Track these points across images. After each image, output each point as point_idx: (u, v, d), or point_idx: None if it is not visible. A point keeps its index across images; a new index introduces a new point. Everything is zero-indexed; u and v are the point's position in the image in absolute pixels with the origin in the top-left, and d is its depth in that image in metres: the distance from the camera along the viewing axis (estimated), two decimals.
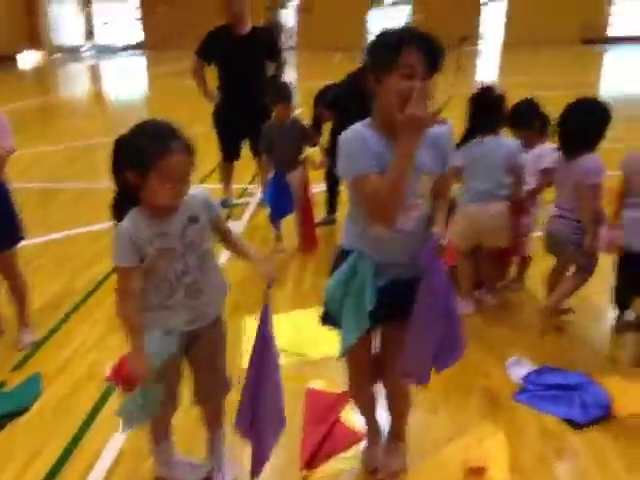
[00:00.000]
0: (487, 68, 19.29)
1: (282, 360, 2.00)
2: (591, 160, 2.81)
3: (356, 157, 1.66)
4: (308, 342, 2.97)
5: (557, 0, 26.71)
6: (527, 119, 3.32)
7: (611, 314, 3.23)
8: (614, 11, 28.48)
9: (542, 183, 3.21)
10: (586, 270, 2.96)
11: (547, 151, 3.21)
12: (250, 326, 2.82)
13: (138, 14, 27.69)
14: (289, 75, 9.67)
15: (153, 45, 26.30)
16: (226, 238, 1.97)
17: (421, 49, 1.56)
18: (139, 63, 23.74)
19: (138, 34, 28.03)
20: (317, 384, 2.71)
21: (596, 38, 27.65)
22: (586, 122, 2.81)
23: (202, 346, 1.99)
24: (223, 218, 2.00)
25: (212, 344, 2.02)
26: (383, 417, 2.24)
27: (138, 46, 27.66)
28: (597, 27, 28.27)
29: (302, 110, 4.64)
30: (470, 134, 3.09)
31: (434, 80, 1.60)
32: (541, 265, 3.50)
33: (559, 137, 2.95)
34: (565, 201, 2.93)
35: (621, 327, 3.13)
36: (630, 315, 3.14)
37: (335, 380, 2.62)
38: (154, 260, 1.77)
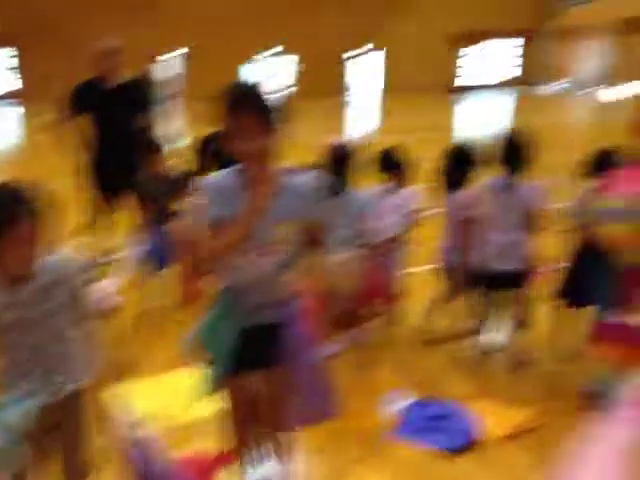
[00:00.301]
0: (358, 118, 20.04)
1: (150, 429, 1.91)
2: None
3: (208, 204, 1.74)
4: (179, 406, 2.80)
5: (424, 51, 29.29)
6: (392, 164, 3.51)
7: (483, 335, 3.40)
8: (470, 59, 31.89)
9: (411, 224, 3.41)
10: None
11: (412, 194, 3.42)
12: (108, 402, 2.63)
13: (14, 62, 26.39)
14: (174, 124, 9.60)
15: (29, 94, 25.09)
16: (82, 312, 1.86)
17: (252, 109, 1.64)
18: (14, 112, 22.49)
19: (14, 83, 26.65)
20: (191, 449, 2.57)
21: (451, 85, 30.57)
22: (452, 166, 3.14)
23: (59, 423, 1.85)
24: (83, 289, 1.87)
25: (69, 421, 1.88)
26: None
27: (13, 95, 26.26)
28: (453, 76, 31.38)
29: (187, 158, 4.59)
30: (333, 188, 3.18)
31: (274, 136, 1.68)
32: (416, 299, 3.65)
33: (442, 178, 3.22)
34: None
35: (487, 348, 3.33)
36: (497, 336, 3.36)
37: (209, 443, 2.51)
38: (5, 331, 1.67)
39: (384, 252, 3.39)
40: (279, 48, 27.96)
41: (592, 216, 2.89)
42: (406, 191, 3.50)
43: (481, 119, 16.38)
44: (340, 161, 3.12)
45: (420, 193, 3.38)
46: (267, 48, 27.81)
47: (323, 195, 2.01)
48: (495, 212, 3.01)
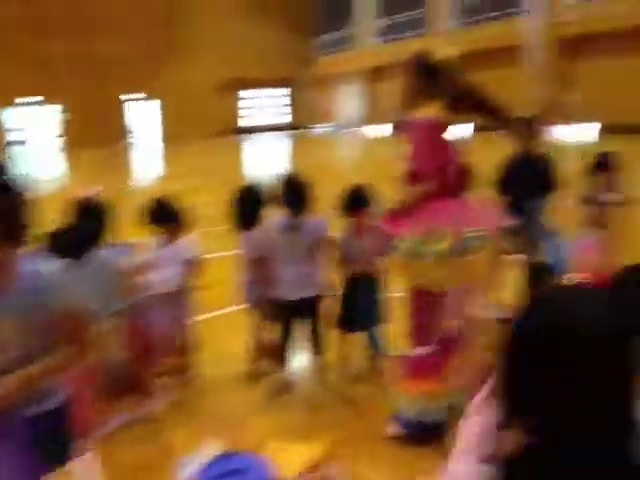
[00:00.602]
0: (140, 165, 19.63)
1: None
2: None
3: None
4: None
5: (200, 98, 29.84)
6: (164, 216, 3.32)
7: (284, 369, 3.38)
8: (245, 105, 33.57)
9: (192, 272, 3.26)
10: None
11: (188, 242, 3.29)
12: None
13: None
14: None
15: None
16: None
17: None
18: None
19: None
20: None
21: (229, 129, 31.78)
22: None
23: None
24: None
25: None
26: None
27: None
28: (230, 121, 32.64)
29: None
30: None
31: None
32: (222, 342, 3.51)
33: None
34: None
35: (284, 384, 3.32)
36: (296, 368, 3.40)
37: None
38: None
39: (162, 306, 3.19)
40: (40, 97, 25.96)
41: (360, 251, 3.13)
42: (182, 240, 3.35)
43: (262, 161, 17.07)
44: (87, 216, 2.82)
45: (197, 240, 3.27)
46: (29, 95, 25.64)
47: (58, 281, 1.66)
48: (284, 249, 3.13)
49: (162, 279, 3.16)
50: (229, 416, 3.10)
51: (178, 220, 3.28)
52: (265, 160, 17.07)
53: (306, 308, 3.16)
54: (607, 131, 18.10)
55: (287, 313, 3.20)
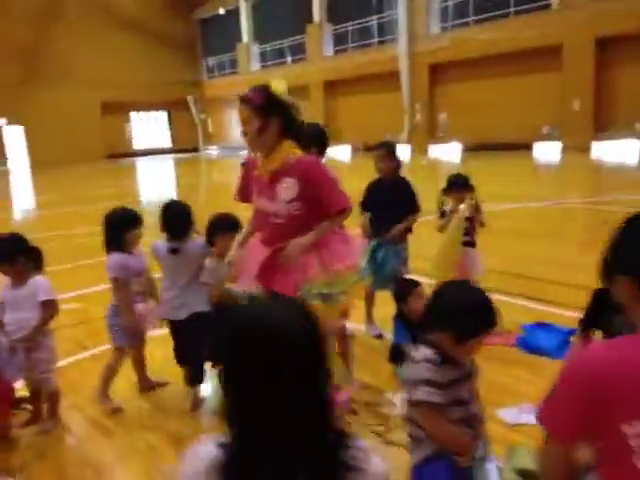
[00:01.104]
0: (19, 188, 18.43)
1: None
2: None
3: None
4: None
5: (74, 123, 28.39)
6: (10, 254, 3.07)
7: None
8: (131, 129, 32.55)
9: (48, 315, 3.02)
10: None
11: (40, 283, 3.05)
12: None
13: None
14: None
15: None
16: None
17: None
18: None
19: None
20: None
21: (121, 153, 30.69)
22: None
23: None
24: None
25: None
26: None
27: None
28: (122, 144, 31.51)
29: None
30: None
31: None
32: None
33: None
34: None
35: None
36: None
37: None
38: None
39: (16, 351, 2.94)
40: None
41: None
42: (34, 280, 3.10)
43: (147, 185, 16.49)
44: None
45: (46, 281, 3.07)
46: None
47: None
48: (168, 271, 3.17)
49: (15, 321, 2.94)
50: (98, 462, 2.93)
51: (24, 260, 3.03)
52: (150, 183, 16.54)
53: (190, 325, 3.14)
54: (469, 150, 19.72)
55: (173, 334, 3.23)
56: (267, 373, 0.91)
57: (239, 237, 2.80)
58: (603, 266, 1.27)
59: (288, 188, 2.38)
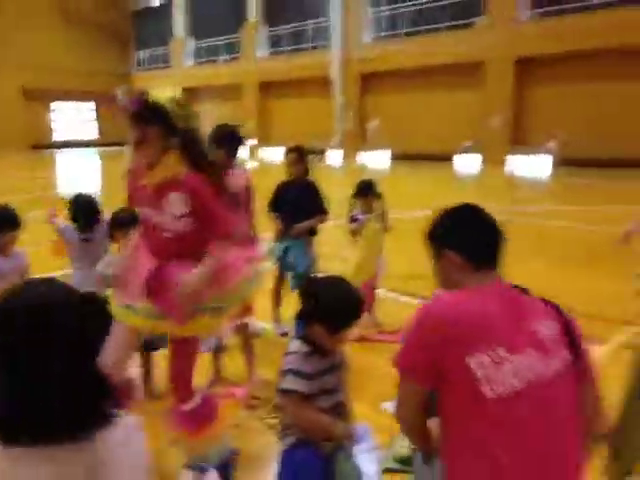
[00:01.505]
0: None
1: None
2: None
3: None
4: None
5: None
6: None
7: None
8: (55, 119, 31.12)
9: None
10: None
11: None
12: None
13: None
14: None
15: None
16: None
17: None
18: None
19: None
20: None
21: (43, 144, 29.26)
22: None
23: None
24: None
25: None
26: None
27: None
28: (44, 134, 30.05)
29: None
30: None
31: None
32: None
33: None
34: None
35: None
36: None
37: None
38: None
39: None
40: None
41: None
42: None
43: (63, 177, 15.81)
44: None
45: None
46: None
47: None
48: (77, 256, 3.36)
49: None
50: None
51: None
52: (68, 176, 15.86)
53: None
54: (397, 158, 20.32)
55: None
56: (27, 343, 1.03)
57: (135, 237, 2.60)
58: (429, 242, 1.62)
59: (177, 203, 2.20)
